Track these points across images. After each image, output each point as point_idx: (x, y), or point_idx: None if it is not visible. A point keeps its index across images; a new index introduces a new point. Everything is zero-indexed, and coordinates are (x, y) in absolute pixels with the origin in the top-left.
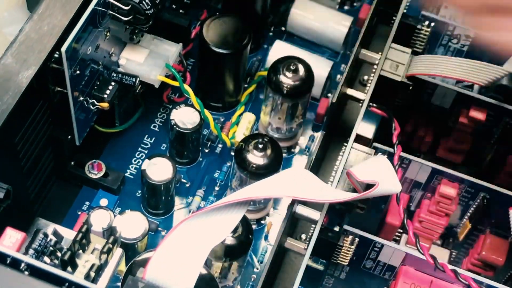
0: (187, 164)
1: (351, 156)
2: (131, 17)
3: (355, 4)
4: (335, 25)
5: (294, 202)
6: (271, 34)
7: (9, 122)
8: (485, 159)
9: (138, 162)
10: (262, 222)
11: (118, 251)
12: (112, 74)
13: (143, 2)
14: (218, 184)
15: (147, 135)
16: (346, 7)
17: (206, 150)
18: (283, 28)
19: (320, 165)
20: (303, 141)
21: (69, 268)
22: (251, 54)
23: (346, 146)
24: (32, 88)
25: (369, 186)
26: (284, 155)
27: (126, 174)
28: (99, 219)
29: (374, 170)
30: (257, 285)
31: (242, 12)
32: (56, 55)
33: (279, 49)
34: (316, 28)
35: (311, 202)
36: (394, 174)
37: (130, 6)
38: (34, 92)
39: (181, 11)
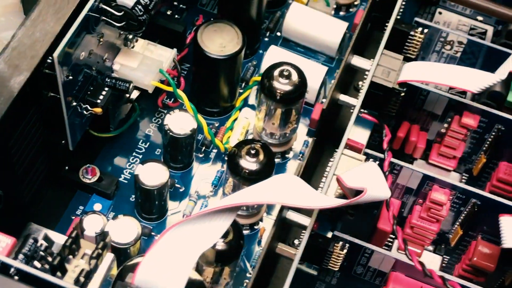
0: (181, 169)
1: (342, 162)
2: (124, 23)
3: (350, 9)
4: (330, 31)
5: (283, 208)
6: (266, 39)
7: (1, 127)
8: (478, 165)
9: (133, 167)
10: (255, 227)
11: (108, 256)
12: (106, 80)
13: (136, 8)
14: (211, 189)
15: (141, 140)
16: (341, 13)
17: (200, 155)
18: (278, 34)
19: (314, 171)
20: (297, 146)
21: (58, 273)
22: (246, 60)
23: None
24: (24, 94)
25: (358, 193)
26: (278, 160)
27: (120, 179)
28: (92, 224)
29: (363, 177)
30: None
31: (237, 18)
32: (49, 61)
33: (273, 55)
34: (311, 33)
35: (300, 208)
36: (384, 180)
37: (123, 12)
38: (27, 98)
39: (176, 16)
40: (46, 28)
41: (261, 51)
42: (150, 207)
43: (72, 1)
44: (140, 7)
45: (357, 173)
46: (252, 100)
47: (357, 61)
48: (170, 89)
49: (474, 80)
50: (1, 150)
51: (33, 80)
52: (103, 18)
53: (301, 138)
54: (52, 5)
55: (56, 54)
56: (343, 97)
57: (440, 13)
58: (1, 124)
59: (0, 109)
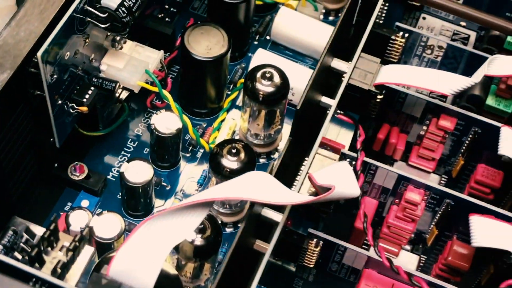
0: (168, 168)
1: (316, 161)
2: (108, 24)
3: (339, 14)
4: (318, 35)
5: (254, 204)
6: (256, 42)
7: None
8: (456, 167)
9: (121, 165)
10: (239, 225)
11: (88, 249)
12: (93, 79)
13: (119, 10)
14: (197, 188)
15: (130, 139)
16: (330, 18)
17: (187, 155)
18: (268, 37)
19: (297, 171)
20: (282, 147)
21: (36, 264)
22: (235, 62)
23: (317, 152)
24: (9, 92)
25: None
26: (263, 160)
27: (109, 177)
28: (78, 219)
29: (334, 175)
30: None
31: (226, 21)
32: (34, 60)
33: (261, 57)
34: (299, 37)
35: (269, 204)
36: (354, 179)
37: (107, 14)
38: (13, 96)
39: (167, 19)
40: (31, 28)
41: (250, 54)
42: (136, 204)
43: (56, 2)
44: (123, 9)
45: (329, 171)
46: (240, 102)
47: (336, 63)
48: (156, 89)
49: (448, 83)
50: None
51: (18, 79)
52: (89, 19)
53: (287, 139)
54: (37, 6)
55: (39, 53)
56: (324, 99)
57: (424, 18)
58: None
59: None
